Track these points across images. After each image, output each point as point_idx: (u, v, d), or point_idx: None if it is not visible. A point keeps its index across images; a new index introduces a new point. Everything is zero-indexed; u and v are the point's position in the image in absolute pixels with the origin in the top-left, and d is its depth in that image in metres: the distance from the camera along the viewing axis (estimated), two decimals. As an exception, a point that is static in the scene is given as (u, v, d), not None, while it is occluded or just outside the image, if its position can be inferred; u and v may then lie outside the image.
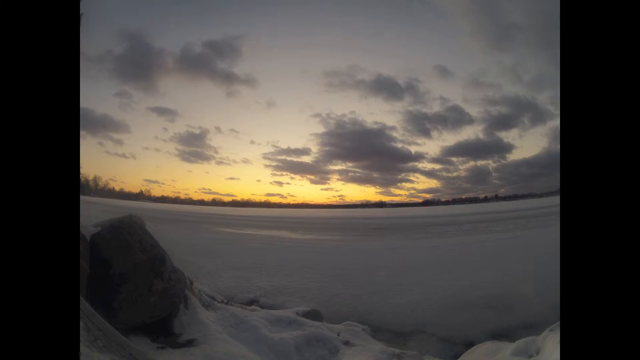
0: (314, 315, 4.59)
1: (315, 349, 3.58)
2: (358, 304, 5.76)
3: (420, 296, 5.98)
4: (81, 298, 2.14)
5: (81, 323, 1.92)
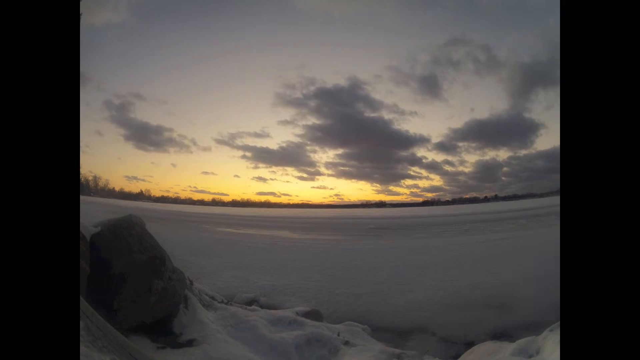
0: (314, 315, 4.59)
1: (315, 348, 3.58)
2: (358, 303, 5.76)
3: (421, 296, 5.98)
4: (81, 298, 2.14)
5: (81, 323, 1.92)
